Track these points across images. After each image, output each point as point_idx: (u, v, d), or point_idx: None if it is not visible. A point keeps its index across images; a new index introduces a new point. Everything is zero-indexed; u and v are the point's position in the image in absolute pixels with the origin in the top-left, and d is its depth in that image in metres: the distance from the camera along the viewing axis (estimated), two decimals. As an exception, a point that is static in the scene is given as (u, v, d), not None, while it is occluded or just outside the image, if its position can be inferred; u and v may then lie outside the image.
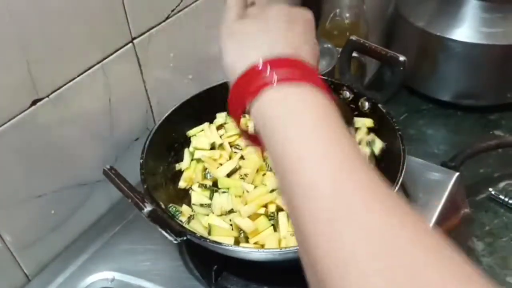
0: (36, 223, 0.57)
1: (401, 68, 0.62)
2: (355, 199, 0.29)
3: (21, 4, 0.47)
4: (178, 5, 0.64)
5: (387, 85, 0.65)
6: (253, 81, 0.37)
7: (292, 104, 0.35)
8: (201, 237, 0.50)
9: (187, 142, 0.66)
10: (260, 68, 0.37)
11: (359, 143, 0.63)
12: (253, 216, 0.56)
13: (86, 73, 0.56)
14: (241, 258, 0.51)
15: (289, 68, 0.37)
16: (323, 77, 0.67)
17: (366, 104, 0.64)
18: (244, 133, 0.42)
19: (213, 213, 0.59)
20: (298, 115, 0.35)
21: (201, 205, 0.60)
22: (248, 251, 0.51)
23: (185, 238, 0.52)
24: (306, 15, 0.44)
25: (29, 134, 0.52)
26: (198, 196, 0.61)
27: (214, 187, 0.61)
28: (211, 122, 0.68)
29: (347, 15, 0.89)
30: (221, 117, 0.68)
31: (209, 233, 0.55)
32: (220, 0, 0.71)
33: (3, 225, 0.53)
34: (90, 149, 0.61)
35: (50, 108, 0.53)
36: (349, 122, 0.66)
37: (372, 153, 0.62)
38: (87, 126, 0.59)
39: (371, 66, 1.03)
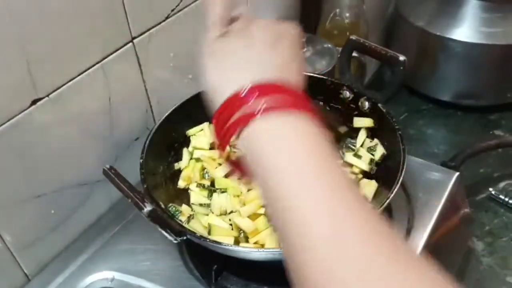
0: (36, 223, 0.57)
1: (401, 68, 0.62)
2: (355, 245, 0.29)
3: (21, 4, 0.47)
4: (178, 4, 0.64)
5: (387, 84, 0.65)
6: (239, 109, 0.35)
7: (282, 134, 0.34)
8: (201, 236, 0.50)
9: (187, 141, 0.66)
10: (246, 94, 0.35)
11: (361, 145, 0.63)
12: (253, 216, 0.56)
13: (86, 72, 0.56)
14: (241, 258, 0.51)
15: (277, 94, 0.35)
16: (323, 77, 0.67)
17: (366, 104, 0.64)
18: (228, 161, 0.40)
19: (212, 212, 0.59)
20: (288, 146, 0.33)
21: (200, 204, 0.60)
22: (248, 251, 0.51)
23: (185, 238, 0.52)
24: (293, 30, 0.41)
25: (28, 133, 0.52)
26: (196, 195, 0.61)
27: (212, 187, 0.61)
28: (211, 122, 0.68)
29: (347, 15, 0.89)
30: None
31: (209, 233, 0.55)
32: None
33: (3, 225, 0.53)
34: (90, 148, 0.61)
35: (50, 107, 0.53)
36: (345, 124, 0.66)
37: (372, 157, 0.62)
38: (87, 126, 0.59)
39: (371, 66, 1.03)
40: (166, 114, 0.63)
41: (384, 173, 0.60)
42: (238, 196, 0.59)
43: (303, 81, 0.39)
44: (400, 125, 0.59)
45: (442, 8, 0.95)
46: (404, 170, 0.54)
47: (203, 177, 0.63)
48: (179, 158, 0.65)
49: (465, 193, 0.71)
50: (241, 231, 0.56)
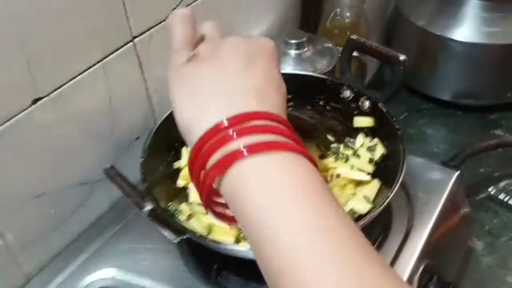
0: (36, 222, 0.57)
1: (401, 68, 0.62)
2: None
3: (21, 4, 0.47)
4: (179, 4, 0.64)
5: (387, 84, 0.65)
6: (218, 147, 0.31)
7: (273, 180, 0.30)
8: (201, 236, 0.50)
9: (187, 141, 0.66)
10: (224, 130, 0.31)
11: (361, 144, 0.63)
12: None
13: (87, 72, 0.56)
14: (241, 257, 0.51)
15: (259, 131, 0.31)
16: (323, 76, 0.67)
17: (367, 103, 0.64)
18: (211, 208, 0.36)
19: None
20: (281, 195, 0.30)
21: (199, 203, 0.60)
22: (248, 250, 0.51)
23: (184, 237, 0.52)
24: (267, 45, 0.37)
25: (29, 133, 0.52)
26: (195, 194, 0.61)
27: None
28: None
29: (348, 14, 0.89)
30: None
31: (209, 232, 0.55)
32: (222, 0, 0.72)
33: (3, 225, 0.53)
34: (90, 148, 0.61)
35: (50, 107, 0.53)
36: (345, 124, 0.66)
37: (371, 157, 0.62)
38: (87, 125, 0.59)
39: (371, 66, 1.03)
40: (167, 114, 0.63)
41: (383, 173, 0.60)
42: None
43: (285, 98, 0.36)
44: (400, 125, 0.59)
45: (443, 8, 0.96)
46: (404, 170, 0.54)
47: (202, 176, 0.62)
48: (179, 157, 0.65)
49: (465, 193, 0.71)
50: (241, 230, 0.56)
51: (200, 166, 0.32)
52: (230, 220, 0.36)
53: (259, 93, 0.34)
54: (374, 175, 0.61)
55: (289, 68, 0.78)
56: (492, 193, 0.85)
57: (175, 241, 0.52)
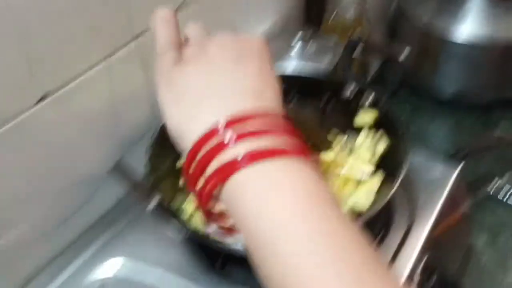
0: (44, 217, 0.58)
1: (403, 65, 0.62)
2: None
3: (22, 3, 0.47)
4: (182, 3, 0.64)
5: (389, 81, 0.65)
6: (215, 155, 0.30)
7: (276, 188, 0.29)
8: (202, 235, 0.51)
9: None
10: (220, 136, 0.29)
11: (363, 140, 0.64)
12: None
13: (90, 71, 0.56)
14: (243, 256, 0.51)
15: (257, 135, 0.29)
16: (325, 73, 0.68)
17: (369, 100, 0.65)
18: (211, 218, 0.34)
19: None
20: (275, 194, 0.29)
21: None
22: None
23: (187, 235, 0.53)
24: (257, 43, 0.35)
25: (33, 132, 0.52)
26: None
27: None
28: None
29: (350, 12, 0.89)
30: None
31: (212, 229, 0.56)
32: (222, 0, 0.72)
33: (13, 219, 0.54)
34: (96, 146, 0.61)
35: (54, 106, 0.53)
36: (347, 120, 0.67)
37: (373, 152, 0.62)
38: (92, 124, 0.60)
39: (373, 63, 1.03)
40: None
41: (385, 169, 0.60)
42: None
43: (280, 97, 0.34)
44: (401, 123, 0.60)
45: (444, 6, 0.96)
46: (406, 166, 0.54)
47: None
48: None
49: (466, 191, 0.72)
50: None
51: (196, 177, 0.31)
52: (230, 231, 0.35)
53: (253, 92, 0.32)
54: (375, 170, 0.61)
55: (292, 65, 0.79)
56: (492, 191, 0.85)
57: (178, 238, 0.53)
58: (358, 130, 0.66)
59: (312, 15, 0.92)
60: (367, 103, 0.65)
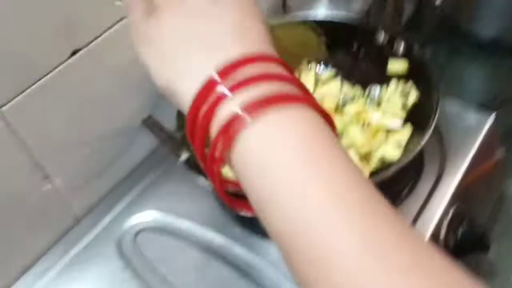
0: (82, 168, 0.61)
1: (440, 6, 0.59)
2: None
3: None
4: None
5: (424, 27, 0.63)
6: (212, 115, 0.27)
7: (271, 141, 0.26)
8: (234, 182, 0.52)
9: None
10: (215, 94, 0.27)
11: (394, 89, 0.63)
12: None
13: (119, 23, 0.56)
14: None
15: (253, 82, 0.27)
16: (356, 19, 0.65)
17: (401, 46, 0.63)
18: (224, 193, 0.32)
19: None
20: (279, 155, 0.26)
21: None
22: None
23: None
24: None
25: (69, 84, 0.54)
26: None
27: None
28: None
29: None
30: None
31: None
32: None
33: (50, 170, 0.57)
34: (129, 98, 0.62)
35: (88, 58, 0.55)
36: (379, 68, 0.65)
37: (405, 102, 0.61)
38: (125, 76, 0.60)
39: (407, 8, 0.98)
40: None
41: (417, 116, 0.59)
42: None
43: (267, 28, 0.30)
44: (436, 68, 0.58)
45: None
46: (437, 114, 0.54)
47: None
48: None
49: (500, 137, 0.70)
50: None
51: (201, 141, 0.29)
52: (242, 206, 0.32)
53: (238, 30, 0.29)
54: (406, 120, 0.60)
55: (323, 9, 0.76)
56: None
57: (210, 188, 0.54)
58: (390, 77, 0.64)
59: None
60: (400, 48, 0.63)
